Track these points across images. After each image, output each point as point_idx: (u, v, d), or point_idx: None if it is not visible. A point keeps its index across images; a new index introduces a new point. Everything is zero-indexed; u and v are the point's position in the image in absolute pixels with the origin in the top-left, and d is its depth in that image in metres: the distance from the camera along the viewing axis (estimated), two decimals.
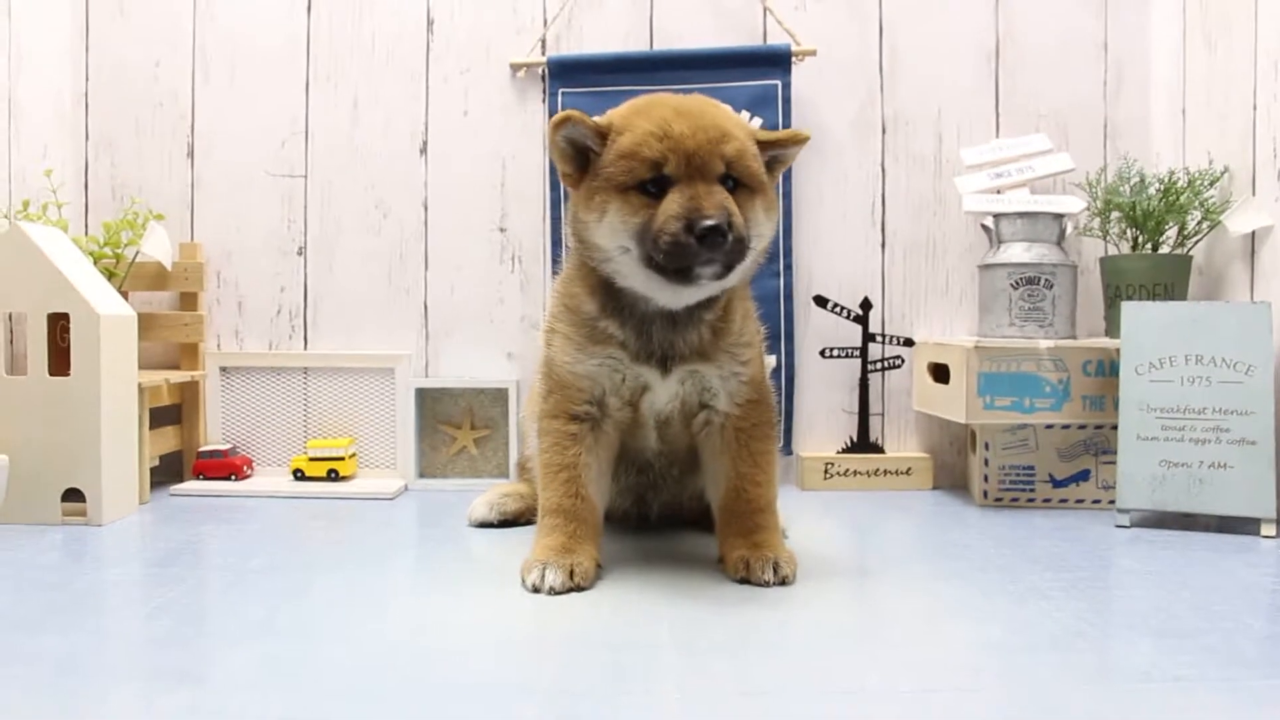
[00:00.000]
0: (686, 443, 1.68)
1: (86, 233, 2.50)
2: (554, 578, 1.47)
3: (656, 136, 1.44)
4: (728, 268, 1.45)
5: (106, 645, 1.26)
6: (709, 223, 1.39)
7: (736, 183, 1.47)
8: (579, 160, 1.53)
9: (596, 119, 1.52)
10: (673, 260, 1.42)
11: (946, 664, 1.20)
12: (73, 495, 1.94)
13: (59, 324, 1.94)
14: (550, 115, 2.41)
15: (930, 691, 1.11)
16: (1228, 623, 1.34)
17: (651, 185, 1.45)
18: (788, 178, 2.43)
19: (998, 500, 2.19)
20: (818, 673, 1.16)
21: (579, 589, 1.48)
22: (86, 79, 2.54)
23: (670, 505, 1.84)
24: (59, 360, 1.94)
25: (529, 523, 1.94)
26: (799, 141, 1.55)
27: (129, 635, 1.30)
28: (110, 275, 2.36)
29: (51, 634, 1.29)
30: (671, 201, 1.42)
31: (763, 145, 1.53)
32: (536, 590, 1.47)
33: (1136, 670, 1.17)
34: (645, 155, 1.44)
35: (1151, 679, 1.14)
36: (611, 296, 1.56)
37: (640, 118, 1.48)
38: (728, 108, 1.56)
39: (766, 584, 1.51)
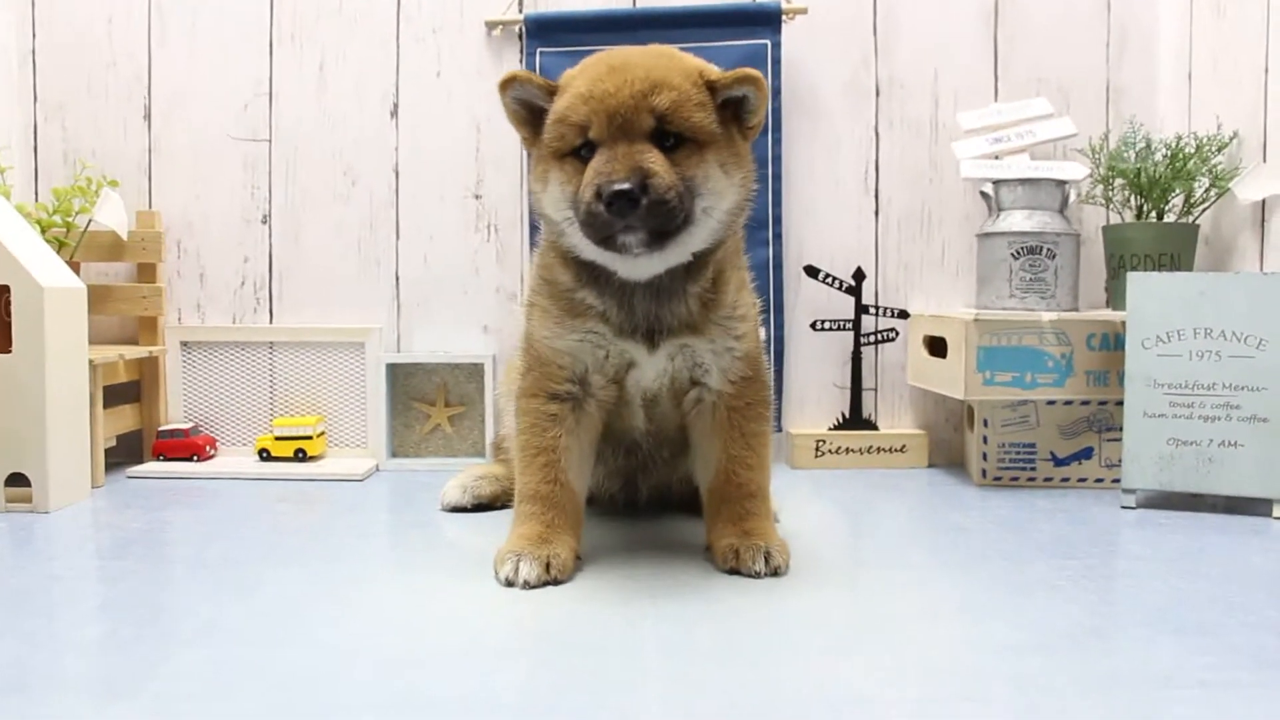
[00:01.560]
0: (676, 422, 1.58)
1: (36, 200, 2.37)
2: (529, 571, 1.37)
3: (583, 98, 1.35)
4: (657, 234, 1.33)
5: (40, 651, 1.15)
6: (615, 188, 1.28)
7: (679, 138, 1.35)
8: (534, 122, 1.44)
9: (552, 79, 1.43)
10: (592, 231, 1.34)
11: (953, 667, 1.10)
12: (17, 480, 1.82)
13: (1, 297, 1.82)
14: None
15: (936, 700, 1.01)
16: (1250, 616, 1.26)
17: (584, 150, 1.36)
18: (777, 142, 2.32)
19: (997, 479, 2.10)
20: (813, 680, 1.07)
21: (556, 582, 1.38)
22: (34, 36, 2.40)
23: (660, 488, 1.74)
24: (1, 336, 1.81)
25: (505, 506, 1.85)
26: (746, 80, 1.37)
27: (65, 639, 1.20)
28: (61, 245, 2.23)
29: None
30: (590, 168, 1.34)
31: (711, 89, 1.38)
32: (510, 584, 1.37)
33: (1158, 674, 1.07)
34: (573, 120, 1.36)
35: (1175, 684, 1.04)
36: (585, 267, 1.45)
37: (579, 78, 1.39)
38: (687, 58, 1.42)
39: (757, 575, 1.41)
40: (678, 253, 1.39)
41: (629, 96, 1.33)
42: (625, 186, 1.28)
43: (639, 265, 1.39)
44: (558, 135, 1.38)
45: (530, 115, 1.44)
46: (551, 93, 1.41)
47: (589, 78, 1.36)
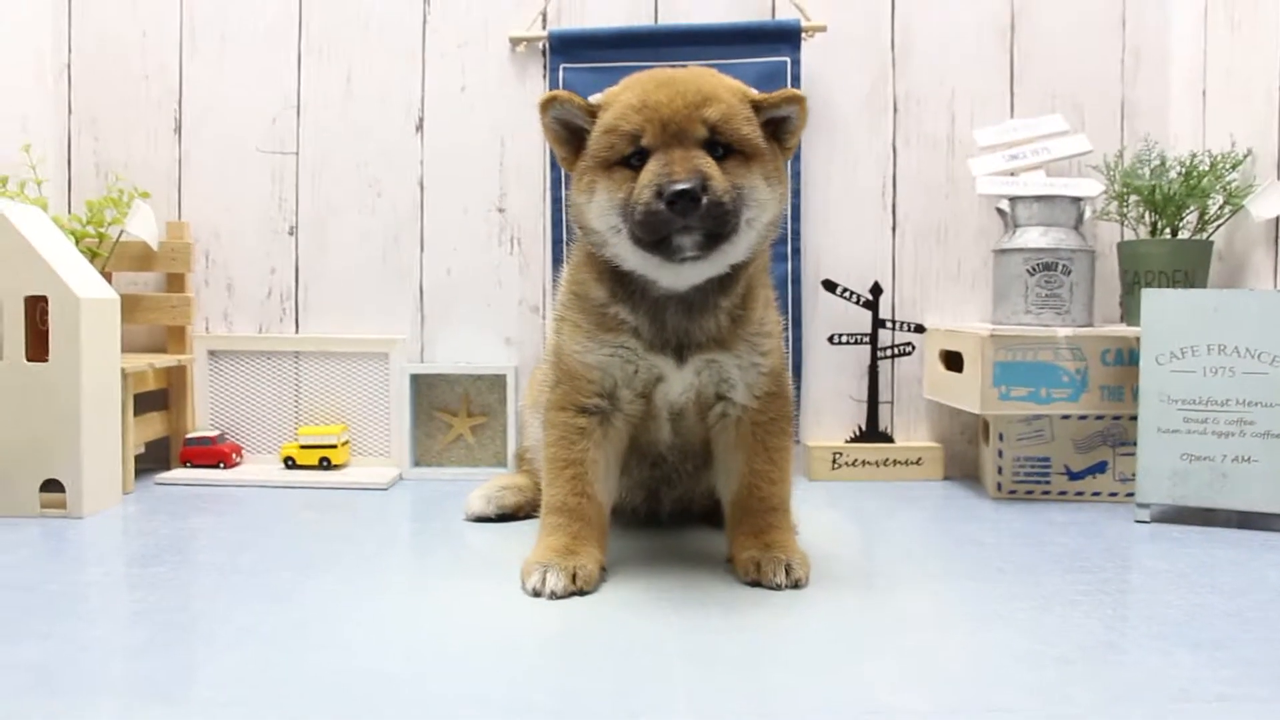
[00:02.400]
0: (701, 436, 1.61)
1: (69, 211, 2.41)
2: (555, 581, 1.40)
3: (634, 108, 1.39)
4: (711, 237, 1.37)
5: (83, 654, 1.19)
6: (678, 186, 1.32)
7: (727, 149, 1.40)
8: (573, 142, 1.48)
9: (592, 97, 1.49)
10: (648, 231, 1.36)
11: (974, 678, 1.13)
12: (52, 486, 1.86)
13: (38, 307, 1.86)
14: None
15: (957, 711, 1.04)
16: (1266, 631, 1.28)
17: (634, 159, 1.40)
18: (796, 158, 2.35)
19: (1011, 493, 2.12)
20: (839, 690, 1.10)
21: (581, 593, 1.41)
22: (69, 50, 2.45)
23: (682, 501, 1.77)
24: (38, 345, 1.85)
25: (528, 516, 1.88)
26: (792, 100, 1.44)
27: (107, 643, 1.23)
28: (93, 255, 2.28)
29: (24, 642, 1.22)
30: (646, 171, 1.37)
31: (757, 108, 1.44)
32: (537, 594, 1.40)
33: (1176, 688, 1.10)
34: (624, 129, 1.40)
35: (1192, 697, 1.07)
36: (620, 282, 1.49)
37: (625, 92, 1.44)
38: (726, 77, 1.48)
39: (778, 587, 1.44)
40: (720, 262, 1.43)
41: (682, 106, 1.37)
42: (687, 185, 1.32)
43: (683, 273, 1.42)
44: (607, 145, 1.41)
45: (569, 134, 1.48)
46: (591, 112, 1.45)
47: (639, 90, 1.41)
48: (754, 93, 1.46)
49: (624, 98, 1.42)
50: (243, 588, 1.46)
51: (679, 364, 1.50)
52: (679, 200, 1.32)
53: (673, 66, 1.52)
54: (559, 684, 1.11)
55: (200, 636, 1.26)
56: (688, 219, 1.34)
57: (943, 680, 1.12)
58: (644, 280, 1.47)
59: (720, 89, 1.41)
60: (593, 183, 1.44)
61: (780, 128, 1.46)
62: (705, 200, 1.33)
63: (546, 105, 1.47)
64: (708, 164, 1.36)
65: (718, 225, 1.36)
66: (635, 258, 1.43)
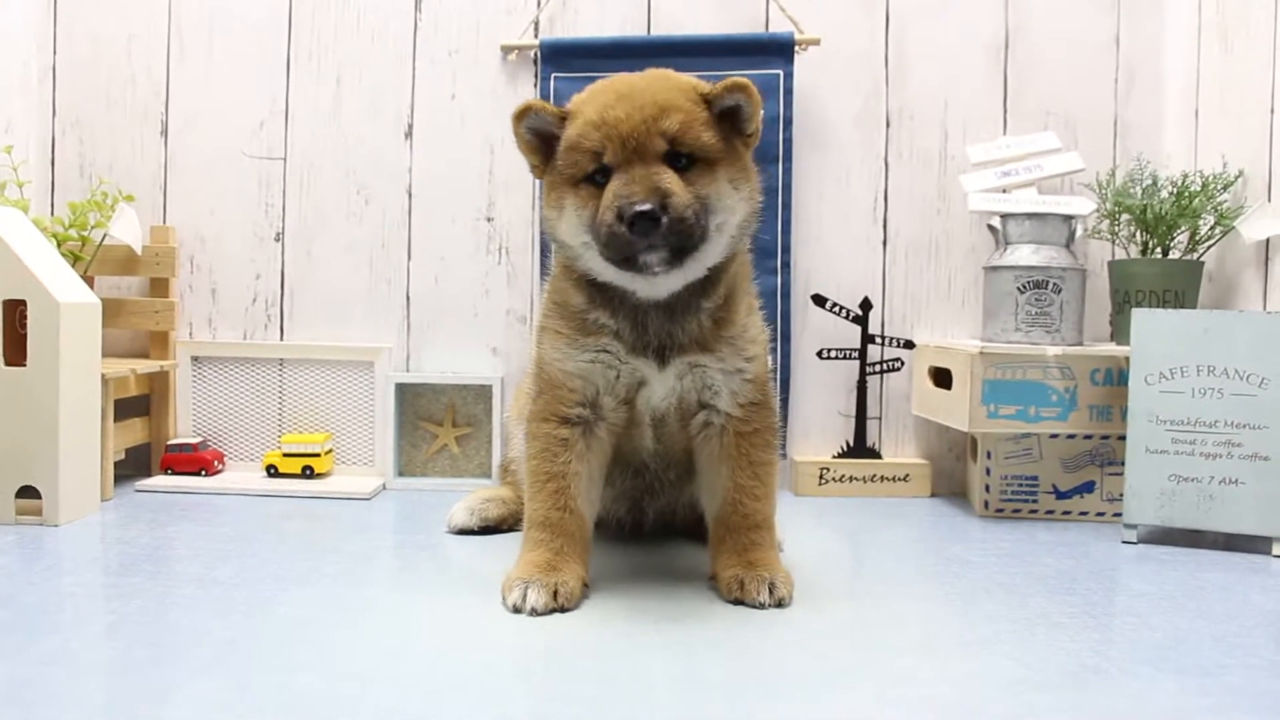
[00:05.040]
0: (684, 445, 1.59)
1: (52, 214, 2.39)
2: (536, 598, 1.38)
3: (594, 125, 1.39)
4: (677, 251, 1.37)
5: (53, 671, 1.16)
6: (636, 209, 1.32)
7: (689, 158, 1.39)
8: (545, 150, 1.48)
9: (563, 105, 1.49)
10: (614, 251, 1.37)
11: (956, 702, 1.11)
12: (28, 492, 1.83)
13: (17, 311, 1.84)
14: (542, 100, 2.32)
15: None
16: (1251, 657, 1.27)
17: (598, 175, 1.40)
18: (787, 172, 2.34)
19: (999, 511, 2.11)
20: (817, 712, 1.08)
21: (563, 610, 1.39)
22: (54, 51, 2.43)
23: (665, 512, 1.75)
24: (16, 349, 1.83)
25: (511, 529, 1.87)
26: (737, 88, 1.40)
27: (80, 659, 1.21)
28: (76, 259, 2.26)
29: None
30: (608, 191, 1.37)
31: (709, 104, 1.42)
32: (518, 611, 1.38)
33: (1160, 714, 1.09)
34: (586, 146, 1.40)
35: None
36: (600, 289, 1.48)
37: (588, 104, 1.43)
38: (684, 78, 1.46)
39: (761, 606, 1.42)
40: (694, 269, 1.43)
41: (640, 122, 1.37)
42: (647, 207, 1.32)
43: (658, 284, 1.42)
44: (571, 162, 1.42)
45: (541, 143, 1.48)
46: (563, 119, 1.45)
47: (598, 105, 1.40)
48: (705, 86, 1.44)
49: (585, 113, 1.42)
50: (221, 600, 1.44)
51: (661, 367, 1.49)
52: (639, 222, 1.32)
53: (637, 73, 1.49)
54: (538, 704, 1.09)
55: (176, 653, 1.23)
56: (650, 239, 1.34)
57: (926, 706, 1.11)
58: (622, 289, 1.46)
59: (677, 96, 1.40)
60: (561, 199, 1.44)
61: (736, 119, 1.44)
62: (665, 220, 1.33)
63: (521, 116, 1.46)
64: (669, 180, 1.36)
65: (681, 241, 1.36)
66: (609, 271, 1.43)
